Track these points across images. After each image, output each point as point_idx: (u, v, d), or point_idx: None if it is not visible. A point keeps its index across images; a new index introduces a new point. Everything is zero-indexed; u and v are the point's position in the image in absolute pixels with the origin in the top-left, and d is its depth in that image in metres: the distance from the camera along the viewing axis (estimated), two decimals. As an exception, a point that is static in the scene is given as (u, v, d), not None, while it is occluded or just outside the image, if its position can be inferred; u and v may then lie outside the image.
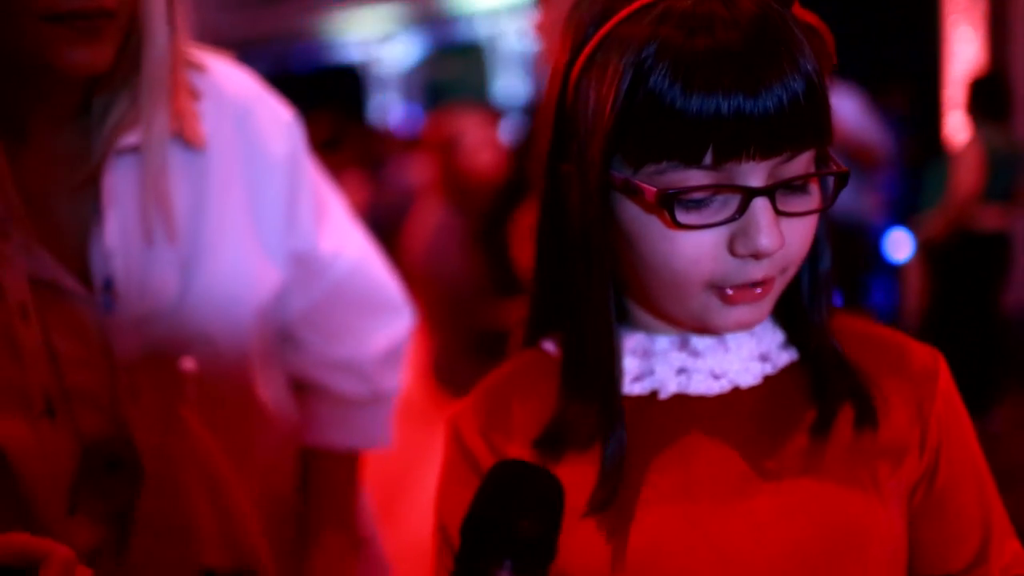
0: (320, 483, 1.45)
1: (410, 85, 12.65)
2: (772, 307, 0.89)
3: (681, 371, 0.92)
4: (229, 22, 13.05)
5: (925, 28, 8.08)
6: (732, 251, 0.82)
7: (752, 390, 0.91)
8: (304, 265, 1.37)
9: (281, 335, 1.39)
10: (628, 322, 0.95)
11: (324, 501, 1.45)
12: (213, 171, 1.24)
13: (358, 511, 1.50)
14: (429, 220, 3.92)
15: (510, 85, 10.80)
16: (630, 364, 0.93)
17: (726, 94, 0.76)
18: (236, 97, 1.29)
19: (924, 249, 5.60)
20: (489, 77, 11.21)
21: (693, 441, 0.90)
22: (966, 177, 5.19)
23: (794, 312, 0.94)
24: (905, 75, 7.77)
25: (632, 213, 0.84)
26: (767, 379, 0.92)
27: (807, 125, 0.79)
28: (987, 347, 5.40)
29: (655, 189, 0.80)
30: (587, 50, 0.85)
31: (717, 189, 0.80)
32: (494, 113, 5.22)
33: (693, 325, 0.90)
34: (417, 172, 5.82)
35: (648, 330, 0.94)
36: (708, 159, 0.78)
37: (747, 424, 0.90)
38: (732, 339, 0.92)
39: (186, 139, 1.20)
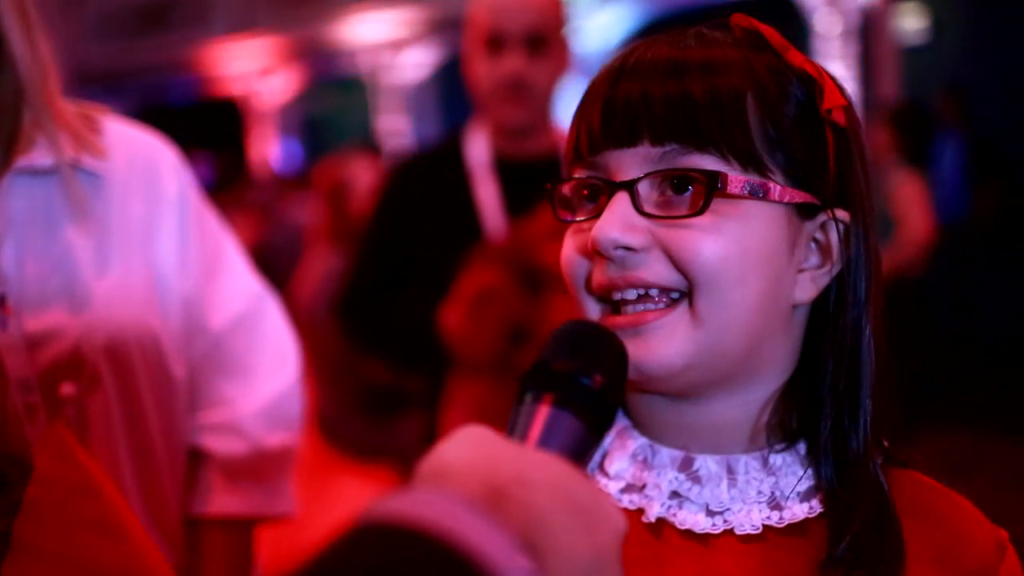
0: (210, 557, 1.38)
1: (288, 119, 12.44)
2: (680, 347, 0.77)
3: (674, 495, 0.80)
4: (101, 52, 12.67)
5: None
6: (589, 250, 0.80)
7: (748, 539, 0.78)
8: (188, 316, 1.36)
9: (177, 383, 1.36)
10: (639, 422, 0.85)
11: None
12: (114, 200, 1.28)
13: None
14: (318, 267, 3.82)
15: (392, 120, 10.73)
16: (622, 468, 0.83)
17: (609, 90, 0.80)
18: (130, 135, 1.35)
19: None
20: (370, 112, 11.11)
21: None
22: (921, 221, 4.81)
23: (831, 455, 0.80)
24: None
25: None
26: (768, 530, 0.78)
27: (678, 122, 0.76)
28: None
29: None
30: None
31: (589, 179, 0.81)
32: (377, 151, 5.14)
33: None
34: (305, 212, 5.72)
35: (653, 436, 0.84)
36: (585, 151, 0.81)
37: None
38: (742, 469, 0.80)
39: (87, 165, 1.25)
